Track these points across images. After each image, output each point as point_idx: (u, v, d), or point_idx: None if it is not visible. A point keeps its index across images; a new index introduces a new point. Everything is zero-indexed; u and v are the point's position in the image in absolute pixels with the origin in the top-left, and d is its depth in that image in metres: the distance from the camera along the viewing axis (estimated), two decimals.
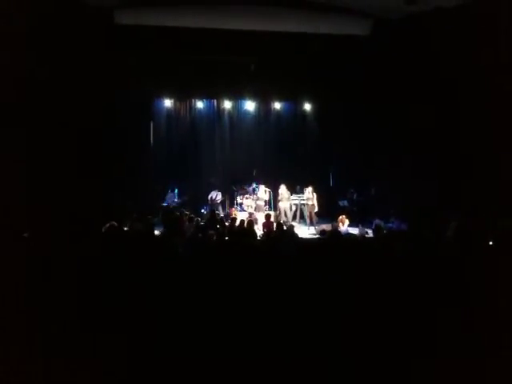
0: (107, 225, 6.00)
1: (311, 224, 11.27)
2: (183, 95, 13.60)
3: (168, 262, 4.31)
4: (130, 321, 3.21)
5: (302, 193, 11.81)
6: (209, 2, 9.53)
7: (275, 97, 13.79)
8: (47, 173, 8.05)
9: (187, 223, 8.62)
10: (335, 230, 6.76)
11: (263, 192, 12.11)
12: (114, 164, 10.67)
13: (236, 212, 11.54)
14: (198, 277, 3.84)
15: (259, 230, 9.15)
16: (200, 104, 13.76)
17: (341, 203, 12.24)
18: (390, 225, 8.87)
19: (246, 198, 12.14)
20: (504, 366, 2.85)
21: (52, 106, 8.39)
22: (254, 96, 13.56)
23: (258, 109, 14.04)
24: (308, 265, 4.24)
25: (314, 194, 11.67)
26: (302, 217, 11.91)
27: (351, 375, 2.97)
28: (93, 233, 5.71)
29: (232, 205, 12.55)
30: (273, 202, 12.38)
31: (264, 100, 13.89)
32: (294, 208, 11.95)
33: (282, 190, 11.82)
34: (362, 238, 7.17)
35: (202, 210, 11.92)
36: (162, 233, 7.57)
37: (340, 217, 9.84)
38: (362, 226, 8.98)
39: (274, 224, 8.69)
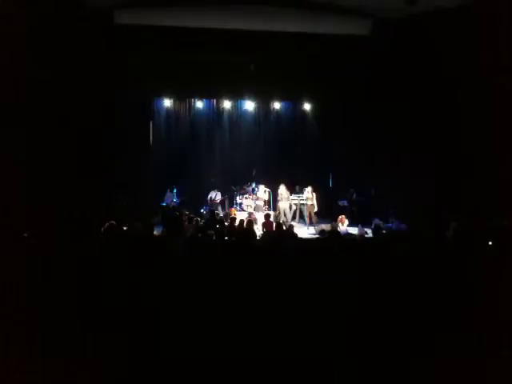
0: (106, 224, 6.01)
1: (311, 224, 11.27)
2: (183, 95, 13.59)
3: (168, 262, 4.31)
4: (129, 321, 3.21)
5: (302, 193, 11.82)
6: (208, 1, 9.52)
7: (275, 96, 13.77)
8: (47, 173, 8.05)
9: (187, 223, 8.62)
10: (335, 230, 6.76)
11: (263, 192, 12.11)
12: (113, 164, 10.67)
13: (235, 212, 11.52)
14: (197, 277, 3.84)
15: (259, 230, 9.14)
16: (200, 104, 13.74)
17: (340, 203, 12.25)
18: (390, 225, 8.87)
19: (246, 198, 12.14)
20: (504, 365, 2.85)
21: (52, 106, 8.40)
22: (253, 96, 13.54)
23: (258, 108, 14.03)
24: (307, 265, 4.24)
25: (314, 193, 11.68)
26: (302, 217, 11.91)
27: (352, 375, 2.97)
28: (92, 232, 5.72)
29: (232, 205, 12.55)
30: (272, 202, 12.38)
31: (264, 100, 13.87)
32: (293, 208, 11.96)
33: (282, 189, 11.81)
34: (361, 238, 7.18)
35: (202, 210, 11.90)
36: (161, 233, 7.58)
37: (339, 217, 9.86)
38: (362, 226, 8.97)
39: (274, 224, 8.70)
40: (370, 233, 7.78)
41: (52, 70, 8.31)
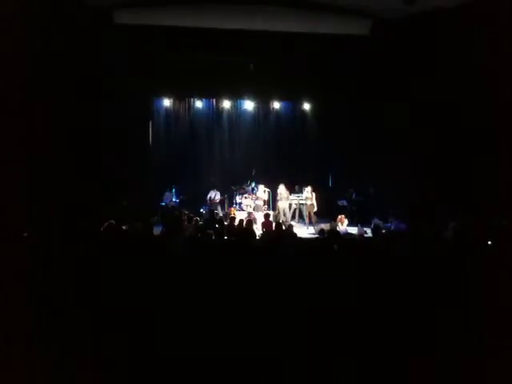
0: (106, 223, 6.02)
1: (310, 224, 11.27)
2: (182, 95, 13.60)
3: (167, 261, 4.31)
4: (129, 320, 3.21)
5: (301, 192, 11.83)
6: (208, 1, 9.52)
7: (274, 96, 13.78)
8: (47, 172, 8.04)
9: (186, 223, 8.63)
10: (334, 230, 6.76)
11: (262, 191, 12.12)
12: (113, 163, 10.66)
13: (235, 211, 11.53)
14: (197, 276, 3.84)
15: (258, 230, 9.15)
16: (199, 103, 13.74)
17: (340, 203, 12.26)
18: (389, 224, 8.88)
19: (245, 198, 12.14)
20: (504, 365, 2.86)
21: (51, 105, 8.38)
22: (253, 95, 13.55)
23: (258, 108, 14.04)
24: (307, 264, 4.25)
25: (313, 193, 11.69)
26: (301, 216, 11.91)
27: (352, 375, 2.98)
28: (92, 232, 5.72)
29: (231, 204, 12.55)
30: (272, 202, 12.39)
31: (263, 99, 13.88)
32: (293, 207, 11.96)
33: (281, 189, 11.82)
34: (360, 237, 7.18)
35: (201, 210, 11.91)
36: (161, 232, 7.58)
37: (339, 216, 9.87)
38: (361, 225, 8.97)
39: (273, 224, 8.70)
40: (369, 232, 7.78)
41: (51, 70, 8.30)
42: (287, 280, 3.77)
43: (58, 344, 2.94)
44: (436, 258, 4.23)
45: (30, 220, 6.26)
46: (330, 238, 5.70)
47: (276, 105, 14.00)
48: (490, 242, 4.82)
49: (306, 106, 14.07)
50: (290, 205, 11.88)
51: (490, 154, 8.27)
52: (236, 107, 13.99)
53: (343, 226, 9.59)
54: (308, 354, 3.07)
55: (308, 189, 11.71)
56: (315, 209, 11.61)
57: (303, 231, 10.34)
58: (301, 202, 11.77)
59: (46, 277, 3.49)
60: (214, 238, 6.25)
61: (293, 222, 10.82)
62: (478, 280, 3.50)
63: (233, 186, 12.66)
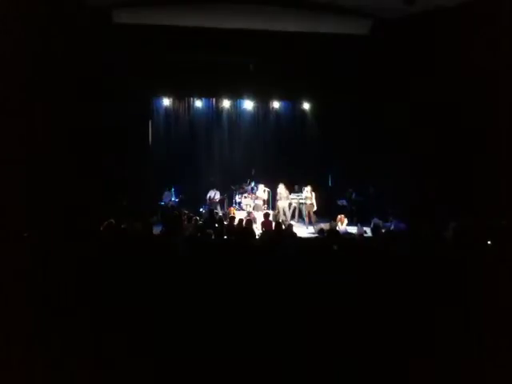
0: (105, 223, 6.02)
1: (310, 223, 11.27)
2: (182, 94, 13.59)
3: (167, 261, 4.32)
4: (129, 320, 3.21)
5: (301, 192, 11.83)
6: (208, 1, 9.51)
7: (274, 96, 13.77)
8: (47, 172, 8.04)
9: (186, 222, 8.63)
10: (334, 230, 6.77)
11: (262, 191, 12.13)
12: (112, 163, 10.66)
13: (235, 211, 11.54)
14: (196, 276, 3.84)
15: (258, 229, 9.15)
16: (199, 103, 13.73)
17: (339, 202, 12.26)
18: (389, 224, 8.89)
19: (245, 197, 12.15)
20: (504, 365, 2.86)
21: (51, 105, 8.38)
22: (252, 95, 13.55)
23: (257, 108, 14.03)
24: (306, 264, 4.25)
25: (313, 193, 11.69)
26: (301, 216, 11.91)
27: (352, 375, 2.98)
28: (92, 232, 5.72)
29: (231, 204, 12.55)
30: (271, 201, 12.39)
31: (263, 99, 13.87)
32: (292, 207, 11.96)
33: (281, 189, 11.82)
34: (360, 237, 7.19)
35: (201, 209, 11.92)
36: (160, 232, 7.58)
37: (339, 216, 9.87)
38: (361, 225, 8.98)
39: (273, 223, 8.71)
40: (369, 232, 7.78)
41: (51, 70, 8.30)
42: (287, 280, 3.78)
43: (58, 344, 2.94)
44: (436, 257, 4.23)
45: (30, 220, 6.26)
46: (329, 237, 5.70)
47: (276, 104, 13.99)
48: (489, 242, 4.82)
49: (306, 106, 14.07)
50: (290, 204, 11.88)
51: (490, 154, 8.26)
52: (236, 107, 13.98)
53: (343, 225, 9.59)
54: (308, 353, 3.08)
55: (308, 188, 11.71)
56: (315, 208, 11.61)
57: (303, 231, 10.34)
58: (300, 201, 11.77)
59: (46, 277, 3.49)
60: (213, 237, 6.25)
61: (292, 222, 10.82)
62: (477, 280, 3.50)
63: (232, 186, 12.66)
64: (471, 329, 3.09)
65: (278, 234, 7.02)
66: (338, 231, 6.40)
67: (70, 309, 3.19)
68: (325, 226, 8.93)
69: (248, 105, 13.81)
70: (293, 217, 11.94)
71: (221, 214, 11.40)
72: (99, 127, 9.91)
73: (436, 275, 3.73)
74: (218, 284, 3.67)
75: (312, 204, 11.59)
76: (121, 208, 10.26)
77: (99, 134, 9.90)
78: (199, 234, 6.33)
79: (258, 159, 13.50)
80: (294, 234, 7.12)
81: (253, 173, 12.80)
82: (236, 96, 13.69)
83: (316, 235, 8.28)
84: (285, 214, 11.65)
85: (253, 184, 12.40)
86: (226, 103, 13.73)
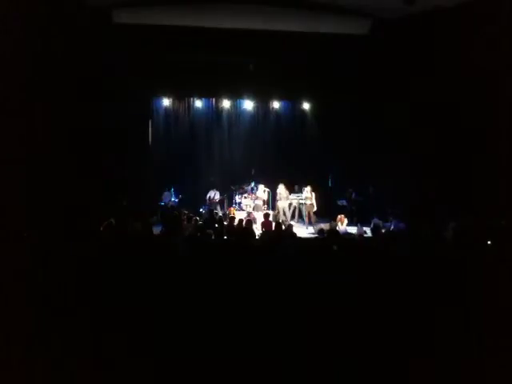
0: (105, 223, 6.02)
1: (310, 223, 11.27)
2: (182, 94, 13.59)
3: (167, 261, 4.32)
4: (129, 320, 3.21)
5: (301, 192, 11.83)
6: (208, 1, 9.51)
7: (274, 96, 13.77)
8: (47, 172, 8.04)
9: (186, 222, 8.63)
10: (334, 230, 6.77)
11: (262, 191, 12.13)
12: (113, 163, 10.66)
13: (235, 211, 11.54)
14: (196, 276, 3.84)
15: (258, 230, 9.15)
16: (199, 103, 13.73)
17: (339, 203, 12.27)
18: (389, 224, 8.90)
19: (245, 198, 12.15)
20: (504, 365, 2.86)
21: (51, 105, 8.38)
22: (252, 95, 13.55)
23: (257, 108, 14.03)
24: (306, 264, 4.25)
25: (313, 193, 11.69)
26: (301, 216, 11.91)
27: (351, 375, 2.98)
28: (92, 232, 5.72)
29: (231, 204, 12.55)
30: (271, 202, 12.39)
31: (263, 99, 13.87)
32: (292, 207, 11.96)
33: (281, 189, 11.82)
34: (360, 237, 7.19)
35: (201, 210, 11.92)
36: (160, 232, 7.59)
37: (339, 216, 9.87)
38: (361, 225, 8.99)
39: (273, 223, 8.71)
40: (369, 232, 7.79)
41: (51, 70, 8.30)
42: (287, 280, 3.78)
43: (58, 344, 2.94)
44: (436, 257, 4.23)
45: (30, 220, 6.26)
46: (329, 237, 5.70)
47: (276, 104, 13.99)
48: (489, 242, 4.83)
49: (306, 106, 14.07)
50: (290, 204, 11.88)
51: (489, 154, 8.27)
52: (236, 107, 13.97)
53: (343, 225, 9.59)
54: (308, 353, 3.08)
55: (308, 188, 11.71)
56: (315, 209, 11.61)
57: (303, 231, 10.35)
58: (300, 201, 11.76)
59: (46, 277, 3.49)
60: (213, 237, 6.26)
61: (292, 222, 10.82)
62: (477, 280, 3.50)
63: (232, 186, 12.66)
64: (471, 329, 3.09)
65: (278, 234, 7.02)
66: (337, 231, 6.40)
67: (70, 309, 3.19)
68: (325, 226, 8.93)
69: (248, 105, 13.80)
70: (293, 217, 11.94)
71: (221, 215, 11.40)
72: (99, 127, 9.90)
73: (436, 275, 3.73)
74: (218, 284, 3.67)
75: (312, 204, 11.59)
76: (121, 208, 10.26)
77: (99, 134, 9.90)
78: (199, 234, 6.33)
79: (257, 159, 13.49)
80: (294, 235, 7.13)
81: (253, 173, 12.81)
82: (236, 96, 13.69)
83: (316, 235, 8.28)
84: (285, 214, 11.65)
85: (253, 184, 12.40)
86: (226, 103, 13.72)
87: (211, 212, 10.24)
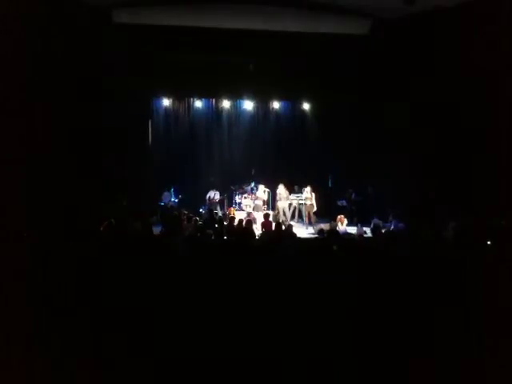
0: (105, 223, 6.03)
1: (310, 224, 11.27)
2: (182, 94, 13.59)
3: (167, 261, 4.32)
4: (129, 320, 3.21)
5: (301, 192, 11.82)
6: (208, 1, 9.51)
7: (274, 96, 13.77)
8: (47, 172, 8.04)
9: (186, 222, 8.63)
10: (333, 230, 6.77)
11: (262, 191, 12.12)
12: (113, 163, 10.66)
13: (234, 211, 11.53)
14: (196, 276, 3.84)
15: (258, 230, 9.15)
16: (199, 103, 13.72)
17: (339, 203, 12.27)
18: (388, 224, 8.90)
19: (245, 198, 12.14)
20: (504, 365, 2.86)
21: (51, 105, 8.38)
22: (252, 95, 13.54)
23: (257, 108, 14.02)
24: (306, 264, 4.25)
25: (313, 193, 11.69)
26: (301, 216, 11.91)
27: (352, 375, 2.98)
28: (92, 232, 5.72)
29: (231, 204, 12.55)
30: (271, 202, 12.38)
31: (263, 99, 13.87)
32: (292, 207, 11.96)
33: (281, 189, 11.83)
34: (360, 237, 7.19)
35: (201, 210, 11.92)
36: (160, 232, 7.59)
37: (338, 216, 9.86)
38: (361, 225, 8.99)
39: (273, 224, 8.71)
40: (368, 232, 7.79)
41: (51, 70, 8.30)
42: (287, 280, 3.78)
43: (58, 344, 2.94)
44: (436, 257, 4.23)
45: (30, 220, 6.26)
46: (329, 237, 5.71)
47: (275, 105, 13.99)
48: (489, 242, 4.83)
49: (306, 106, 14.07)
50: (290, 205, 11.88)
51: (489, 154, 8.27)
52: (235, 107, 13.97)
53: (343, 225, 9.58)
54: (308, 353, 3.08)
55: (307, 189, 11.70)
56: (315, 209, 11.61)
57: (303, 231, 10.35)
58: (300, 202, 11.75)
59: (46, 277, 3.49)
60: (213, 237, 6.26)
61: (292, 222, 10.83)
62: (477, 280, 3.50)
63: (232, 186, 12.66)
64: (471, 329, 3.09)
65: (278, 234, 7.02)
66: (337, 231, 6.41)
67: (70, 309, 3.19)
68: (325, 226, 8.93)
69: (248, 105, 13.80)
70: (293, 217, 11.95)
71: (220, 215, 11.39)
72: (99, 127, 9.90)
73: (436, 275, 3.73)
74: (218, 284, 3.67)
75: (312, 204, 11.59)
76: (121, 208, 10.26)
77: (99, 133, 9.89)
78: (199, 235, 6.33)
79: (257, 159, 13.49)
80: (294, 235, 7.13)
81: (253, 173, 12.80)
82: (236, 96, 13.68)
83: (316, 235, 8.28)
84: (285, 214, 11.65)
85: (253, 184, 12.39)
86: (226, 103, 13.72)
87: (211, 212, 10.24)
